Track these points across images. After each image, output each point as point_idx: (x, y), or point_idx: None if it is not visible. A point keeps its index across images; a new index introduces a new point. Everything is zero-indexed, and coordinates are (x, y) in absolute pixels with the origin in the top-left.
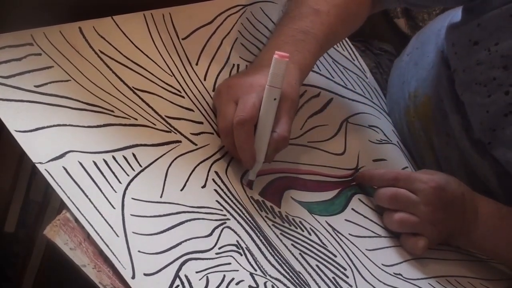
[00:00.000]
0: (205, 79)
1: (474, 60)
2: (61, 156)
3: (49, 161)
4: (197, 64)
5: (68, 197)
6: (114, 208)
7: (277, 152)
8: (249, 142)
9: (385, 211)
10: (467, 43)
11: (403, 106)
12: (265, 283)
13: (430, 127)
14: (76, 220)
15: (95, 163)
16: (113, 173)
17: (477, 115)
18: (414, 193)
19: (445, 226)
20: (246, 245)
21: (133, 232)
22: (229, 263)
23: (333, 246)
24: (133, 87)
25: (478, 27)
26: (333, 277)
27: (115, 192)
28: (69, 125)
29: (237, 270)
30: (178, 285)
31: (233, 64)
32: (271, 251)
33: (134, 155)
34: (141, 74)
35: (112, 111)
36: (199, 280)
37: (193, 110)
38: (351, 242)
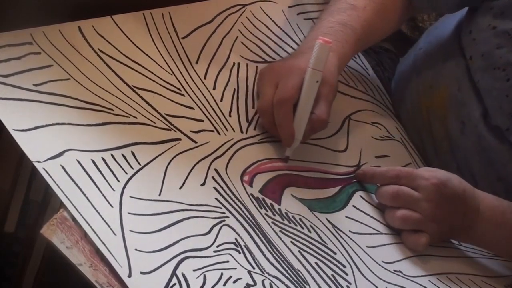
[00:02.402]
0: (205, 78)
1: (493, 45)
2: (60, 154)
3: (47, 159)
4: (197, 62)
5: (66, 196)
6: (112, 206)
7: (314, 133)
8: (288, 120)
9: (387, 208)
10: (486, 28)
11: (417, 97)
12: (263, 281)
13: (446, 116)
14: (73, 218)
15: (93, 162)
16: (112, 171)
17: (495, 101)
18: (416, 190)
19: (446, 222)
20: (245, 243)
21: (131, 231)
22: (227, 261)
23: (333, 243)
24: (132, 86)
25: (499, 14)
26: (332, 275)
27: (113, 190)
28: (68, 123)
29: (235, 268)
30: (174, 284)
31: (233, 63)
32: (269, 248)
33: (133, 153)
34: (140, 73)
35: (112, 109)
36: (196, 278)
37: (193, 108)
38: (351, 239)
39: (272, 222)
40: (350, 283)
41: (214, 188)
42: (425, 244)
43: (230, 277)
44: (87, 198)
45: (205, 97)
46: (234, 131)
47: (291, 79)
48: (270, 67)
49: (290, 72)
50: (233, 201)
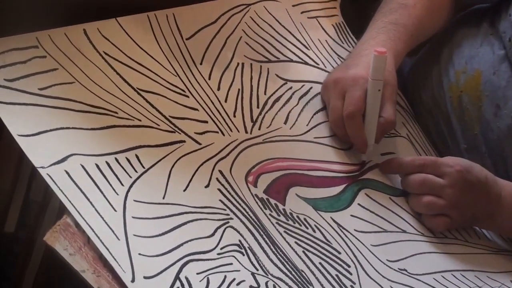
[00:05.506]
0: (209, 78)
1: None
2: (63, 159)
3: (51, 165)
4: (201, 63)
5: (70, 201)
6: (115, 211)
7: (384, 134)
8: (360, 130)
9: (412, 194)
10: None
11: (447, 84)
12: (266, 283)
13: (480, 99)
14: (77, 224)
15: (97, 166)
16: (116, 175)
17: None
18: (441, 177)
19: (469, 209)
20: (249, 244)
21: (134, 235)
22: (231, 263)
23: (337, 242)
24: (137, 88)
25: None
26: (336, 275)
27: (117, 194)
28: (72, 128)
29: (239, 270)
30: (178, 287)
31: (238, 63)
32: (273, 249)
33: (137, 156)
34: (145, 75)
35: (116, 112)
36: (200, 281)
37: (197, 109)
38: (356, 238)
39: (277, 223)
40: (354, 283)
41: (219, 189)
42: (444, 226)
43: (234, 279)
44: (91, 203)
45: (209, 98)
46: (238, 131)
47: (356, 91)
48: (334, 80)
49: (354, 83)
50: (238, 202)
